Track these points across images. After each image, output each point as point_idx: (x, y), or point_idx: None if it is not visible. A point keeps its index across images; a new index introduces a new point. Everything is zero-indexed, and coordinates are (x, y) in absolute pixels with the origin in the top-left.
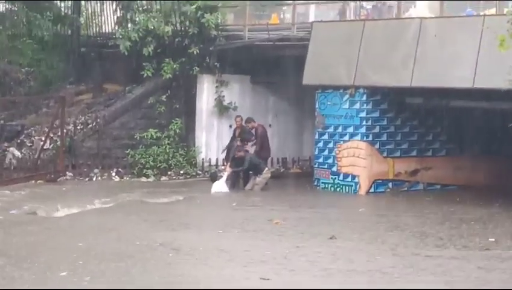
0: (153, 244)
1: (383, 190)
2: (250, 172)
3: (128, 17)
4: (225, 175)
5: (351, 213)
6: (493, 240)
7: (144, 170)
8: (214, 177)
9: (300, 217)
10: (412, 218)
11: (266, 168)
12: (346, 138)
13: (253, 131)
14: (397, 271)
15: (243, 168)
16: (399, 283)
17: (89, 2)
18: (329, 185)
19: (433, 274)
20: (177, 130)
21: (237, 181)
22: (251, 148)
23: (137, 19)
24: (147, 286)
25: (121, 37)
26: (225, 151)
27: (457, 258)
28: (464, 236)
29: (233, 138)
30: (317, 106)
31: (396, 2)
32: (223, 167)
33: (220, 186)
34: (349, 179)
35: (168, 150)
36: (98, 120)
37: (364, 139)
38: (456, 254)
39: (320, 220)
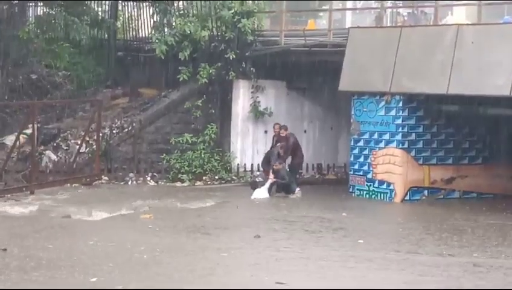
0: (182, 250)
1: (418, 197)
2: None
3: (165, 21)
4: (268, 182)
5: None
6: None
7: (179, 175)
8: (254, 186)
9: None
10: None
11: (298, 189)
12: (382, 145)
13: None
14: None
15: (286, 182)
16: None
17: (125, 6)
18: (365, 192)
19: None
20: (213, 135)
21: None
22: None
23: (173, 24)
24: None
25: (157, 41)
26: (263, 158)
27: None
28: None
29: (272, 146)
30: (352, 112)
31: (433, 9)
32: (257, 173)
33: (261, 193)
34: (384, 186)
35: (203, 155)
36: (134, 124)
37: (400, 146)
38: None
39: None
